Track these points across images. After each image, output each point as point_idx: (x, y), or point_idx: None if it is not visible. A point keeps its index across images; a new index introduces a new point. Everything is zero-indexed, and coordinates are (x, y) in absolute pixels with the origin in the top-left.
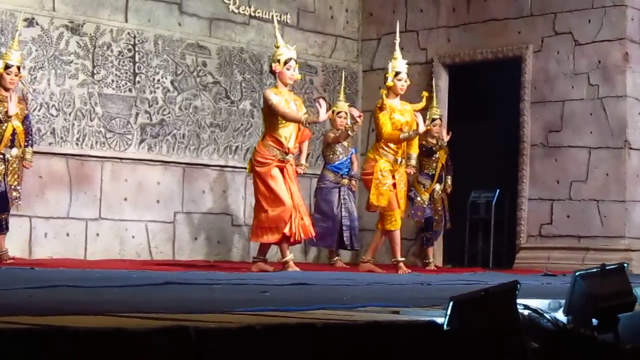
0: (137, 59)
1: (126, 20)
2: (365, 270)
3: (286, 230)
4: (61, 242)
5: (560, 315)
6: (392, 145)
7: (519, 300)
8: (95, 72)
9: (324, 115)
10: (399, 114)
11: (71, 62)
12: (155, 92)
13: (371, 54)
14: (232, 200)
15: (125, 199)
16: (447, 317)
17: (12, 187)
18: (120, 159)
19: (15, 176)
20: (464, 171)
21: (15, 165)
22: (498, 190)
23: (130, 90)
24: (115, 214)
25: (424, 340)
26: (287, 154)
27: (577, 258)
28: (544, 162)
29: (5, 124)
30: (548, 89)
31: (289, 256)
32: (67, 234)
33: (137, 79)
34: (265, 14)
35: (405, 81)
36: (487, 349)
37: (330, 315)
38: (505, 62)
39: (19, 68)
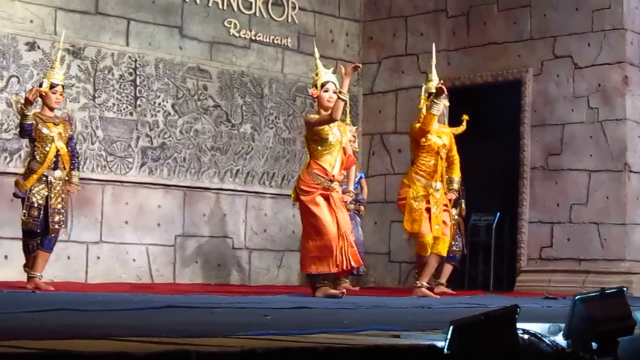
0: (138, 83)
1: (127, 44)
2: (419, 294)
3: (332, 260)
4: (62, 266)
5: (560, 339)
6: (425, 170)
7: (518, 325)
8: (96, 95)
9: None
10: (435, 136)
11: (72, 85)
12: (156, 115)
13: (371, 78)
14: (233, 223)
15: (126, 222)
16: (448, 341)
17: (56, 210)
18: (121, 182)
19: (59, 199)
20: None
21: (59, 188)
22: (498, 213)
23: (131, 113)
24: (116, 237)
25: None
26: (332, 181)
27: (578, 281)
28: (544, 185)
29: (49, 145)
30: (548, 112)
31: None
32: (68, 257)
33: (138, 102)
34: (266, 37)
35: (443, 98)
36: None
37: (331, 339)
38: (505, 85)
39: (63, 87)
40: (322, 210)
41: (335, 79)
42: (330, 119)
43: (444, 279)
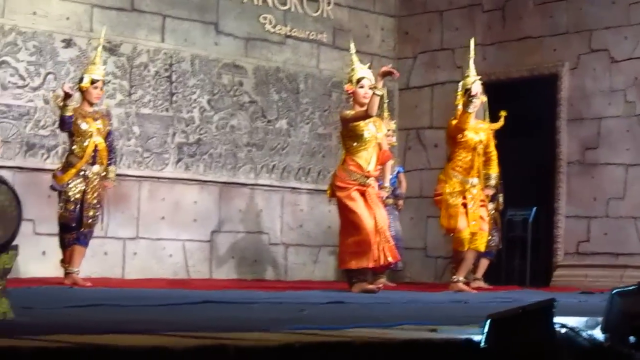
0: (173, 79)
1: (163, 40)
2: (455, 289)
3: (370, 255)
4: (99, 262)
5: (598, 333)
6: (462, 165)
7: (556, 319)
8: (132, 92)
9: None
10: (472, 132)
11: (109, 82)
12: (192, 111)
13: (407, 72)
14: (269, 219)
15: (163, 218)
16: (485, 334)
17: (91, 205)
18: (158, 178)
19: (96, 194)
20: None
21: (95, 182)
22: (535, 208)
23: (167, 109)
24: (152, 233)
25: (461, 358)
26: (367, 177)
27: (615, 276)
28: (581, 179)
29: (88, 140)
30: (584, 106)
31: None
32: (105, 253)
33: (174, 98)
34: (301, 33)
35: (476, 98)
36: None
37: (367, 333)
38: (541, 80)
39: (103, 82)
40: (358, 206)
41: (370, 75)
42: (366, 115)
43: (480, 273)
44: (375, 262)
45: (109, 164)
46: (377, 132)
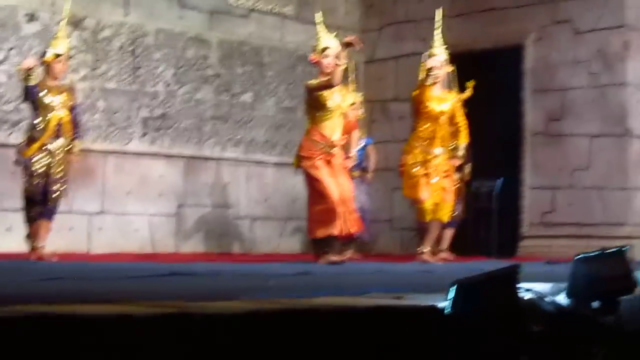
0: (138, 53)
1: (127, 15)
2: (421, 261)
3: (337, 223)
4: (64, 237)
5: (562, 298)
6: (423, 136)
7: (521, 284)
8: (96, 66)
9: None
10: (435, 102)
11: (73, 56)
12: (156, 85)
13: (372, 45)
14: (234, 192)
15: (129, 193)
16: (450, 300)
17: (56, 179)
18: (123, 152)
19: (60, 168)
20: None
21: (60, 156)
22: (500, 180)
23: (131, 84)
24: (118, 207)
25: (427, 324)
26: (332, 147)
27: (580, 246)
28: (545, 150)
29: (51, 114)
30: (548, 78)
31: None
32: (70, 228)
33: (139, 72)
34: (265, 6)
35: (439, 69)
36: (490, 332)
37: (333, 301)
38: (505, 51)
39: (67, 57)
40: (323, 174)
41: (336, 44)
42: (329, 85)
43: (445, 244)
44: (340, 231)
45: (74, 139)
46: (342, 101)
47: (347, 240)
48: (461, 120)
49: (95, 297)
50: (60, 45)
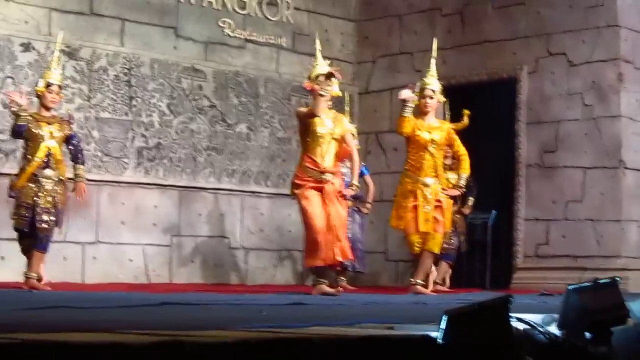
0: (133, 83)
1: (122, 45)
2: (415, 292)
3: (319, 253)
4: (58, 266)
5: (554, 329)
6: (413, 165)
7: (513, 314)
8: (91, 96)
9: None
10: (425, 131)
11: (67, 86)
12: (151, 115)
13: (367, 77)
14: (229, 223)
15: (123, 223)
16: (442, 331)
17: (44, 210)
18: (117, 182)
19: (48, 199)
20: None
21: (49, 187)
22: (494, 212)
23: (126, 114)
24: (112, 237)
25: (418, 354)
26: (323, 173)
27: (574, 278)
28: (540, 182)
29: (40, 144)
30: (543, 110)
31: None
32: (64, 258)
33: (133, 102)
34: (261, 37)
35: (431, 98)
36: None
37: (325, 331)
38: (500, 83)
39: (60, 87)
40: (310, 204)
41: (325, 70)
42: (311, 114)
43: (440, 277)
44: (324, 260)
45: (78, 164)
46: (335, 128)
47: (339, 270)
48: (461, 150)
49: (87, 326)
50: (53, 76)
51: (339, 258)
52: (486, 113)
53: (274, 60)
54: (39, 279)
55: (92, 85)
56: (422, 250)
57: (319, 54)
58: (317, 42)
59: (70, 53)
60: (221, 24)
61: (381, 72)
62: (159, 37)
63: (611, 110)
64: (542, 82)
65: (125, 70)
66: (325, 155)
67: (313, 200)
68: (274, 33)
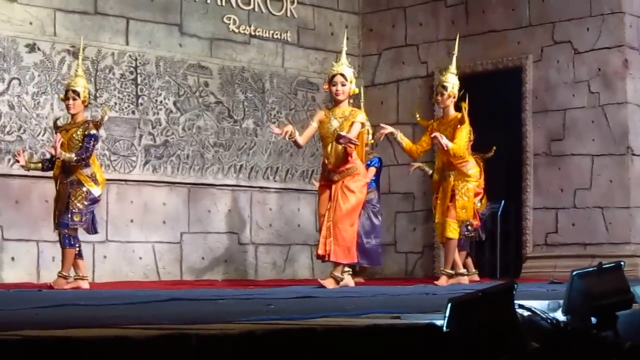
0: (139, 81)
1: (127, 43)
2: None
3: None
4: None
5: (560, 315)
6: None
7: (517, 301)
8: (98, 95)
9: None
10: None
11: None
12: (158, 113)
13: (372, 69)
14: (238, 219)
15: (132, 221)
16: (446, 318)
17: (61, 210)
18: (126, 181)
19: (75, 200)
20: None
21: (64, 190)
22: (503, 201)
23: (133, 112)
24: (122, 235)
25: (424, 342)
26: (330, 172)
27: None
28: (548, 171)
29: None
30: (549, 98)
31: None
32: None
33: (140, 101)
34: (266, 32)
35: (441, 94)
36: (487, 349)
37: (332, 322)
38: (505, 73)
39: (75, 92)
40: (318, 201)
41: (345, 70)
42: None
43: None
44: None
45: (75, 158)
46: (342, 128)
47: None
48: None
49: (95, 322)
50: (72, 82)
51: (320, 252)
52: (492, 103)
53: (279, 55)
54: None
55: (98, 84)
56: (443, 240)
57: (343, 54)
58: (345, 41)
59: (75, 53)
60: (226, 20)
61: (387, 65)
62: (163, 34)
63: (617, 97)
64: (548, 70)
65: (131, 69)
66: (333, 155)
67: (320, 199)
68: (279, 28)
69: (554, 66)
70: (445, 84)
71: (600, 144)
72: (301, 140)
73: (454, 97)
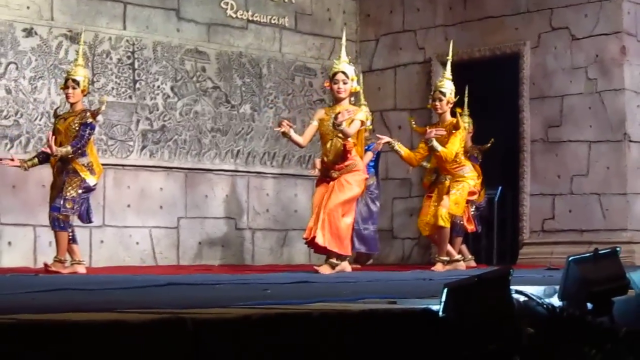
0: (136, 66)
1: (124, 28)
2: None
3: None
4: None
5: (556, 301)
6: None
7: (513, 287)
8: (95, 80)
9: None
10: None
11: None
12: (155, 98)
13: (370, 55)
14: (235, 204)
15: (129, 206)
16: (442, 304)
17: (54, 196)
18: (123, 165)
19: (69, 187)
20: None
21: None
22: (500, 188)
23: (130, 97)
24: (118, 220)
25: (420, 327)
26: (328, 169)
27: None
28: (545, 157)
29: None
30: (546, 85)
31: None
32: None
33: (137, 85)
34: (263, 18)
35: (439, 100)
36: (483, 334)
37: (328, 306)
38: (503, 59)
39: (74, 81)
40: (315, 193)
41: (347, 68)
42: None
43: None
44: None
45: (71, 149)
46: (341, 123)
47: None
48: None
49: (91, 306)
50: (71, 71)
51: (304, 235)
52: (489, 89)
53: (276, 41)
54: (61, 261)
55: (95, 69)
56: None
57: (343, 51)
58: (344, 35)
59: (73, 37)
60: (223, 5)
61: (384, 50)
62: (161, 19)
63: (615, 84)
64: (545, 57)
65: (129, 54)
66: (331, 152)
67: (317, 191)
68: (276, 13)
69: (551, 52)
70: (443, 89)
71: (597, 130)
72: (302, 140)
73: (451, 103)
